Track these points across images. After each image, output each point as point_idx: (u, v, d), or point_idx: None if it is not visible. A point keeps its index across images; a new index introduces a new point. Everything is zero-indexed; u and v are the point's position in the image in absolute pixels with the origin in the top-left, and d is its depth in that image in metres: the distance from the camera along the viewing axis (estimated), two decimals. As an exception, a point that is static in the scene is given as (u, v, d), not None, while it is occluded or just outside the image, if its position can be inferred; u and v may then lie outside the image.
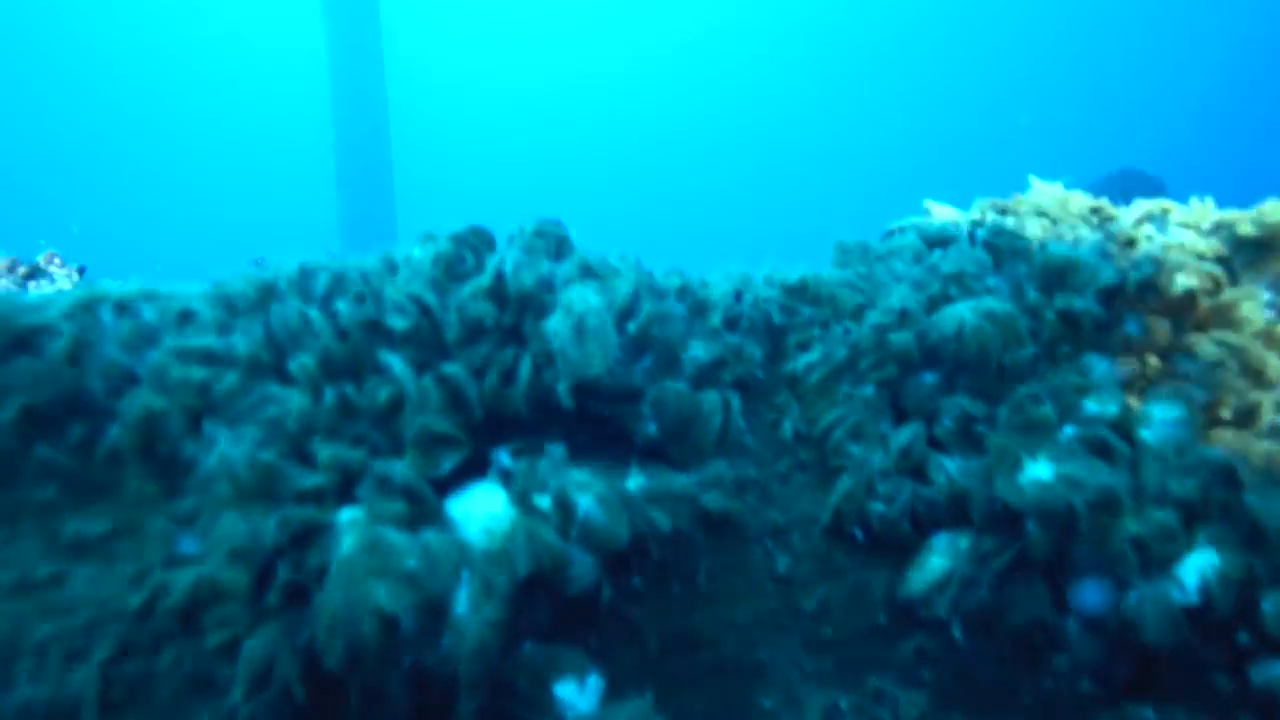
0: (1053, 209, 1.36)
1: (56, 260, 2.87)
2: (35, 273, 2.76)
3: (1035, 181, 1.53)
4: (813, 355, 1.15)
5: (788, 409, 1.15)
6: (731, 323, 1.13)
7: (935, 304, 1.16)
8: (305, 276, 0.95)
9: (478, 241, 1.01)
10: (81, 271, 2.87)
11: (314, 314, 0.91)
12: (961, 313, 1.10)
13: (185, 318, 0.94)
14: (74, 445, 0.91)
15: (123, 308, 0.95)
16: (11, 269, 2.76)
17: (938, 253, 1.24)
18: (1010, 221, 1.36)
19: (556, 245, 1.05)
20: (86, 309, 0.94)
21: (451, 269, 0.98)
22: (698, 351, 1.07)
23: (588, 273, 1.02)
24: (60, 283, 2.72)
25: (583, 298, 0.94)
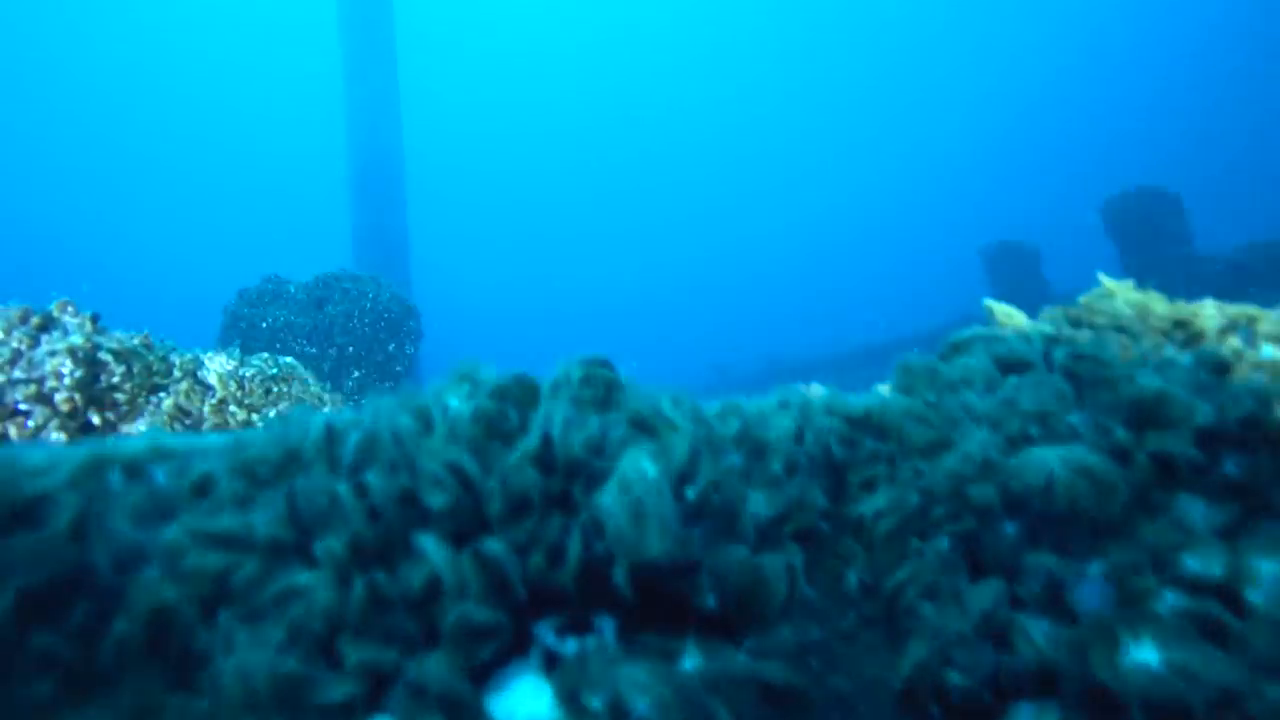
0: (1131, 322, 1.26)
1: (70, 309, 2.80)
2: (49, 323, 2.70)
3: (1105, 280, 1.43)
4: (880, 501, 1.05)
5: (853, 558, 1.06)
6: (792, 468, 1.03)
7: (1015, 444, 1.06)
8: (332, 440, 0.86)
9: (521, 394, 0.92)
10: (95, 320, 2.80)
11: (343, 491, 0.82)
12: (1050, 463, 1.00)
13: (201, 489, 0.85)
14: (76, 631, 0.82)
15: (133, 471, 0.87)
16: (24, 320, 2.69)
17: (1012, 380, 1.14)
18: (1085, 335, 1.26)
19: (606, 390, 0.96)
20: (93, 474, 0.86)
21: (493, 427, 0.89)
22: (758, 506, 0.97)
23: (640, 427, 0.92)
24: (73, 334, 2.65)
25: (638, 470, 0.84)
